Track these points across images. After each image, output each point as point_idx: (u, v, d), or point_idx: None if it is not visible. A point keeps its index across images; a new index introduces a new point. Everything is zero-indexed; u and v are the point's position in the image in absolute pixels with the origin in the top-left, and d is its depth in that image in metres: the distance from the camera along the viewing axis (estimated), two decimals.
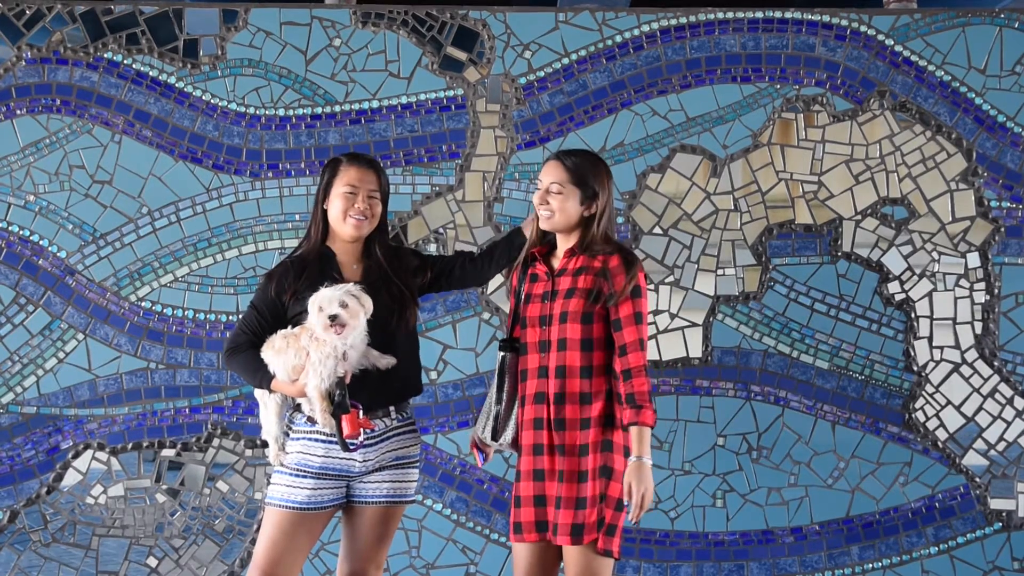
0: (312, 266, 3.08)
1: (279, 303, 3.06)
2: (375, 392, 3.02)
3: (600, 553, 2.90)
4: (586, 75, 4.12)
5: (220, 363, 4.05)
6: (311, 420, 3.00)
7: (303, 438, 3.03)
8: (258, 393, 3.10)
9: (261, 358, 3.01)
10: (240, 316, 3.20)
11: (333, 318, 2.87)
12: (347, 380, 2.94)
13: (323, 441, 3.00)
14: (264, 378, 3.01)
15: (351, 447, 2.94)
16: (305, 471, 3.00)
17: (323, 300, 2.90)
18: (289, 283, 3.05)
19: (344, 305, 2.88)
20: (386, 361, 3.01)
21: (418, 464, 3.16)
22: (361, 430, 2.95)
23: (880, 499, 4.10)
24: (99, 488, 4.08)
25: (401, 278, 3.13)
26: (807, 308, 4.11)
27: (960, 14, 4.13)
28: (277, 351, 2.98)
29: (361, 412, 2.95)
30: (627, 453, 2.89)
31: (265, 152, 4.10)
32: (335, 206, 3.09)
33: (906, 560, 4.10)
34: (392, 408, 3.08)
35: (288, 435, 3.06)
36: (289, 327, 3.04)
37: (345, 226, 3.09)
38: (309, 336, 2.94)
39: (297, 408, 3.06)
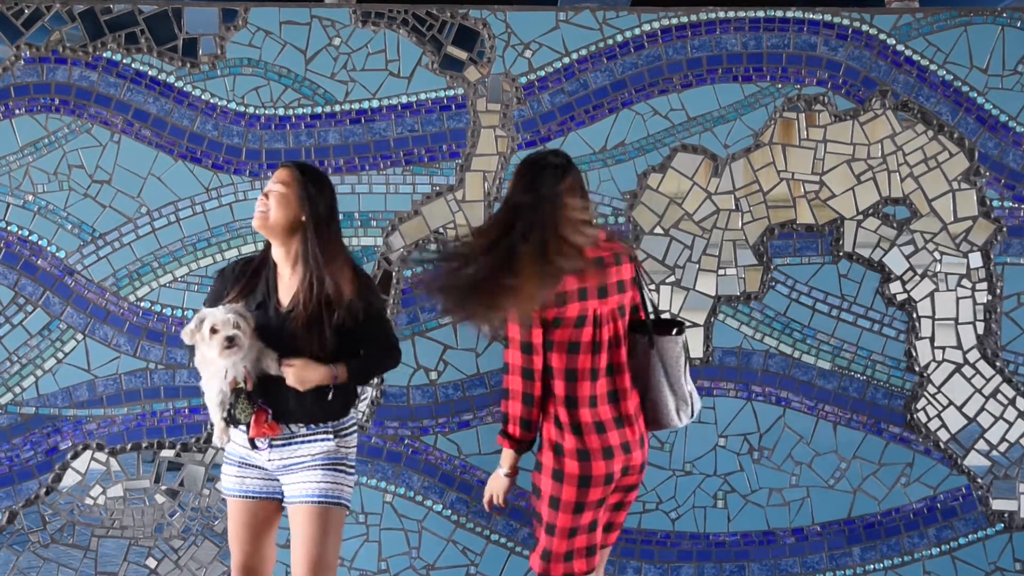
0: (255, 270, 3.21)
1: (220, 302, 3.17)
2: (275, 402, 3.10)
3: (537, 572, 3.01)
4: (587, 74, 4.11)
5: None
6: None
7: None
8: None
9: None
10: None
11: (231, 340, 2.99)
12: (248, 386, 3.06)
13: (243, 432, 3.18)
14: None
15: (257, 447, 3.12)
16: (231, 459, 3.22)
17: (217, 322, 3.00)
18: (229, 284, 3.22)
19: (237, 326, 3.00)
20: (277, 369, 3.06)
21: (332, 466, 3.17)
22: (267, 433, 3.10)
23: (882, 500, 4.09)
24: (98, 489, 4.07)
25: (326, 302, 3.10)
26: (808, 308, 4.10)
27: (962, 13, 4.12)
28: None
29: (270, 415, 3.09)
30: (557, 476, 2.92)
31: (265, 152, 4.09)
32: None
33: (908, 561, 4.09)
34: (302, 425, 3.16)
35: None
36: None
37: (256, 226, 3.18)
38: (200, 356, 3.09)
39: None
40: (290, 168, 3.19)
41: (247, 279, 3.19)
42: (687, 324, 3.15)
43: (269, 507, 3.23)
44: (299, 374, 3.03)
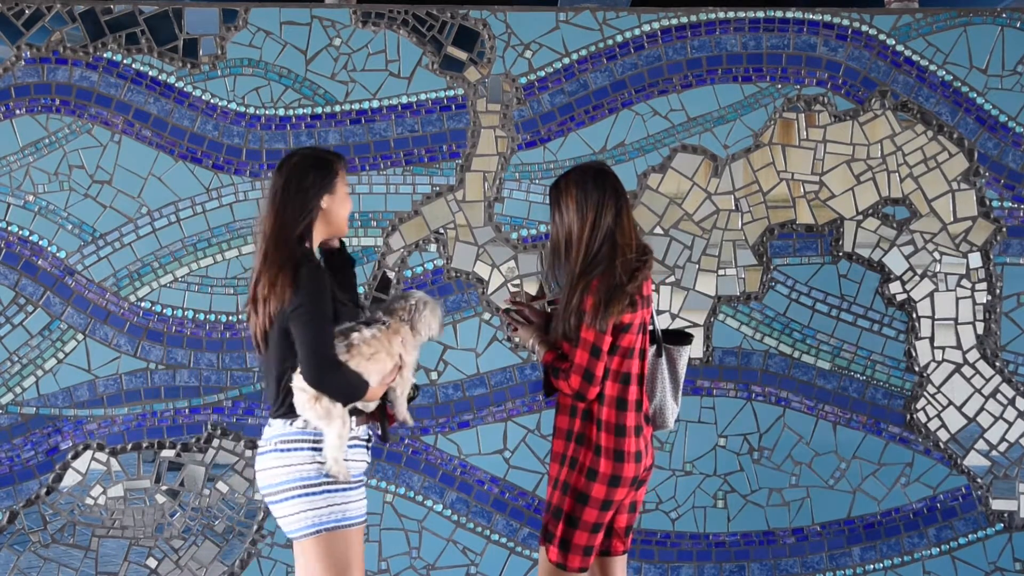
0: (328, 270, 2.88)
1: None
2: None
3: (552, 563, 2.98)
4: (587, 75, 4.11)
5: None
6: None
7: (355, 445, 2.83)
8: (323, 415, 2.74)
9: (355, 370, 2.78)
10: (315, 334, 2.72)
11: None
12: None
13: (360, 447, 2.85)
14: (363, 387, 2.77)
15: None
16: (360, 480, 2.84)
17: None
18: (331, 287, 2.81)
19: None
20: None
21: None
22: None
23: (881, 500, 4.09)
24: (99, 489, 4.07)
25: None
26: (808, 308, 4.10)
27: (961, 13, 4.12)
28: (370, 358, 2.77)
29: None
30: (590, 475, 2.92)
31: (265, 152, 4.09)
32: (342, 207, 2.88)
33: (907, 561, 4.09)
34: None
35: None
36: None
37: (345, 227, 2.92)
38: (400, 340, 2.83)
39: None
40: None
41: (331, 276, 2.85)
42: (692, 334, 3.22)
43: None
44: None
